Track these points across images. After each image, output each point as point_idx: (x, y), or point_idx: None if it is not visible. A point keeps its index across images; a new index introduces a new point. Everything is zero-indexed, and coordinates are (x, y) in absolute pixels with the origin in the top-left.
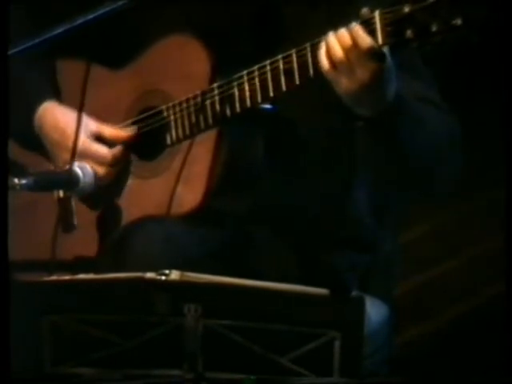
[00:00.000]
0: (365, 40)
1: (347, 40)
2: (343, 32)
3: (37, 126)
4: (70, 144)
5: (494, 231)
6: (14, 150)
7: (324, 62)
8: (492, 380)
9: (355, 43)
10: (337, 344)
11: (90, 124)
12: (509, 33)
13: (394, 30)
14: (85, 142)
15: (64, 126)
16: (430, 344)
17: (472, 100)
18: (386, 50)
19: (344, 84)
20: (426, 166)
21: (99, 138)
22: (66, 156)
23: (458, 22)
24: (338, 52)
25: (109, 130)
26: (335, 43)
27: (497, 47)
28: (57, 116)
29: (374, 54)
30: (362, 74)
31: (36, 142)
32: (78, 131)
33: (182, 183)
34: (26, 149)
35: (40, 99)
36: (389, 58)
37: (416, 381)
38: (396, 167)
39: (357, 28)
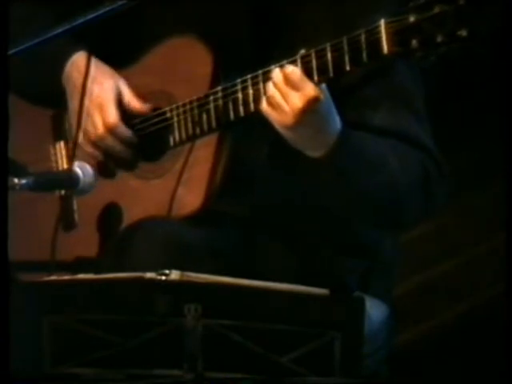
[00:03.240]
0: (295, 73)
1: (278, 76)
2: (276, 70)
3: (66, 72)
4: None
5: (495, 231)
6: (17, 105)
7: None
8: (492, 380)
9: (286, 78)
10: (337, 344)
11: (124, 89)
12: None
13: (399, 39)
14: (108, 97)
15: (94, 75)
16: (430, 344)
17: (472, 100)
18: (323, 86)
19: (277, 118)
20: (384, 205)
21: (122, 104)
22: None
23: (464, 33)
24: (271, 90)
25: (133, 99)
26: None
27: (499, 52)
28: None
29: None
30: (293, 103)
31: (50, 94)
32: (78, 132)
33: (183, 185)
34: (34, 101)
35: (72, 49)
36: (326, 93)
37: (416, 381)
38: (351, 205)
39: (290, 67)
